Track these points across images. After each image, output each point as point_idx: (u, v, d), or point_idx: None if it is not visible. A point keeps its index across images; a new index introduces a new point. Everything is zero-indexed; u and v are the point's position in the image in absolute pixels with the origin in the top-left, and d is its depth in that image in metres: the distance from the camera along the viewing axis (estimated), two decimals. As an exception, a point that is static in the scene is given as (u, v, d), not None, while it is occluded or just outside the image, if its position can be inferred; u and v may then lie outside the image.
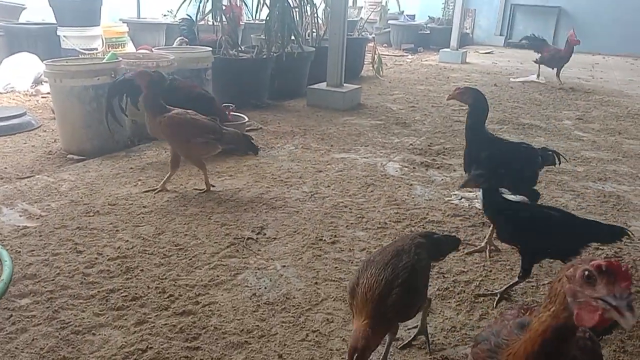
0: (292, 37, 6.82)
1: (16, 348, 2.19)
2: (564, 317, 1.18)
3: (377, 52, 8.94)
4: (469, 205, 3.76)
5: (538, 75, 9.07)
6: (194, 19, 7.00)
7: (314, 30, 7.99)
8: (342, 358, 2.21)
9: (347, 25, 6.90)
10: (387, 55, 11.65)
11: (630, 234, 2.68)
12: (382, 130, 5.64)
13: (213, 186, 3.90)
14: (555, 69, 8.77)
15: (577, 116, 6.62)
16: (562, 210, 2.81)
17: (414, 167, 4.51)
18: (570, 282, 1.15)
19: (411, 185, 4.11)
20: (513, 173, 3.10)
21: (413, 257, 2.01)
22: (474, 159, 3.20)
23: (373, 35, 10.42)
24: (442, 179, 4.25)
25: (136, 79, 3.76)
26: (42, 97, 6.53)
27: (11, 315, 2.39)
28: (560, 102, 7.43)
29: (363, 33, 9.75)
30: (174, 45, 7.07)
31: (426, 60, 11.42)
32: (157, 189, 3.79)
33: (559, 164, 3.38)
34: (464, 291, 2.72)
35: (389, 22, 13.35)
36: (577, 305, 1.14)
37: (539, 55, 8.75)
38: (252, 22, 9.06)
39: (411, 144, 5.16)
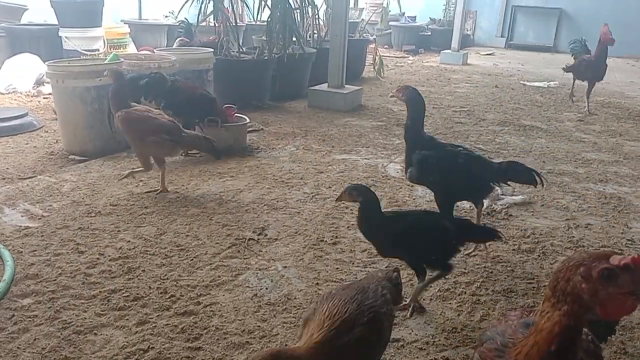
0: (294, 39, 6.83)
1: (18, 348, 2.20)
2: (580, 315, 1.20)
3: (378, 54, 8.95)
4: (470, 206, 3.76)
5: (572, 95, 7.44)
6: (196, 20, 7.00)
7: (315, 31, 8.00)
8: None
9: (348, 27, 6.90)
10: (388, 56, 11.66)
11: (502, 237, 2.57)
12: (383, 132, 5.65)
13: (166, 190, 3.81)
14: (587, 84, 7.02)
15: (578, 118, 6.62)
16: (433, 213, 2.69)
17: (415, 169, 4.51)
18: (588, 282, 1.17)
19: (412, 186, 4.11)
20: (446, 181, 2.99)
21: (380, 299, 1.80)
22: (410, 161, 3.07)
23: (374, 37, 10.43)
24: (443, 180, 4.24)
25: (109, 77, 3.83)
26: (44, 98, 6.54)
27: (13, 315, 2.39)
28: (561, 104, 7.43)
29: (364, 34, 9.75)
30: (174, 47, 7.09)
31: (427, 62, 11.42)
32: (158, 190, 3.80)
33: (542, 185, 3.03)
34: (465, 292, 2.72)
35: (390, 23, 13.35)
36: (599, 301, 1.17)
37: (575, 62, 7.21)
38: (254, 23, 9.08)
39: (412, 145, 5.16)
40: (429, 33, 13.54)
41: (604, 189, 4.23)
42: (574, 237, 3.37)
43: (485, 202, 3.77)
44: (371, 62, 9.09)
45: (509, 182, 3.16)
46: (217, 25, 6.69)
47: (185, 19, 7.75)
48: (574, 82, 7.41)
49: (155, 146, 3.66)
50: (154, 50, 6.55)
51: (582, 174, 4.53)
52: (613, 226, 3.56)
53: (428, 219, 2.66)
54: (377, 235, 2.50)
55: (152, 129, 3.63)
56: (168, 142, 3.66)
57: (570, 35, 13.67)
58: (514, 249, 3.18)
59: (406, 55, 12.43)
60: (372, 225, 2.47)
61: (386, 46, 13.25)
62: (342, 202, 2.45)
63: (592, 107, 7.16)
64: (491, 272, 2.92)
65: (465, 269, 2.94)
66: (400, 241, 2.46)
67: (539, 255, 3.12)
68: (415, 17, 14.33)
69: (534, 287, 2.79)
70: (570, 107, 7.20)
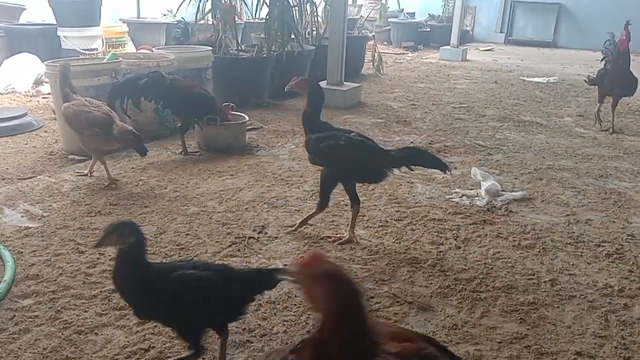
0: (292, 36, 6.82)
1: (19, 348, 2.20)
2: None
3: (377, 50, 8.94)
4: (469, 203, 3.76)
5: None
6: (194, 18, 7.01)
7: (314, 28, 7.99)
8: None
9: (347, 24, 6.89)
10: (388, 53, 11.64)
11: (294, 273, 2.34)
12: (382, 129, 5.64)
13: (117, 180, 3.93)
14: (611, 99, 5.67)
15: (577, 113, 6.61)
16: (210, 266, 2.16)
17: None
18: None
19: (412, 183, 4.11)
20: (330, 163, 3.15)
21: None
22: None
23: (373, 34, 10.42)
24: (443, 177, 4.23)
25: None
26: (43, 98, 6.54)
27: (14, 316, 2.40)
28: (560, 99, 7.42)
29: (363, 31, 9.75)
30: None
31: (426, 58, 11.41)
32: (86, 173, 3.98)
33: (449, 172, 3.21)
34: (465, 289, 2.72)
35: (389, 20, 13.34)
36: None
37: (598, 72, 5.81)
38: (252, 21, 9.07)
39: (412, 142, 5.16)
40: (428, 29, 13.53)
41: (604, 184, 4.23)
42: (574, 232, 3.37)
43: (485, 199, 3.77)
44: (370, 59, 9.08)
45: (412, 167, 3.21)
46: (214, 23, 6.68)
47: (182, 18, 7.74)
48: (599, 99, 5.78)
49: (92, 139, 3.79)
50: (153, 49, 6.54)
51: (582, 169, 4.53)
52: (613, 221, 3.55)
53: (203, 276, 2.00)
54: (137, 290, 1.94)
55: (87, 124, 3.74)
56: (101, 135, 3.75)
57: (570, 31, 13.76)
58: (514, 245, 3.18)
59: (405, 52, 12.42)
60: (136, 277, 1.91)
61: (385, 43, 13.24)
62: (104, 247, 1.99)
63: (590, 102, 7.11)
64: (491, 269, 2.92)
65: (465, 265, 2.94)
66: (165, 304, 1.94)
67: (539, 251, 3.12)
68: (414, 13, 14.31)
69: (534, 283, 2.79)
70: (570, 103, 7.20)
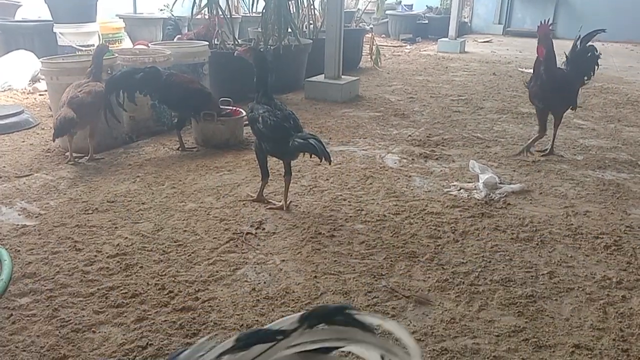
0: (289, 30, 6.78)
1: (16, 347, 2.20)
2: None
3: (375, 43, 8.91)
4: (467, 196, 3.75)
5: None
6: (190, 13, 6.96)
7: (311, 22, 7.96)
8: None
9: (345, 17, 6.86)
10: (386, 45, 11.60)
11: None
12: (380, 122, 5.63)
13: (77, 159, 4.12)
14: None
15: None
16: None
17: (412, 159, 4.50)
18: None
19: (410, 176, 4.10)
20: (255, 132, 3.54)
21: None
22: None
23: (371, 26, 10.40)
24: (441, 170, 4.24)
25: None
26: (40, 95, 6.52)
27: (11, 314, 2.39)
28: (559, 90, 7.38)
29: (361, 24, 9.71)
30: (174, 41, 7.07)
31: (425, 50, 11.37)
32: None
33: (329, 163, 3.24)
34: (463, 282, 2.72)
35: (387, 12, 13.28)
36: None
37: None
38: (249, 15, 9.03)
39: (410, 135, 5.15)
40: (426, 21, 13.48)
41: (602, 175, 4.22)
42: (572, 224, 3.36)
43: (483, 192, 3.76)
44: (368, 52, 9.05)
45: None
46: (208, 17, 6.66)
47: (173, 14, 7.73)
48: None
49: None
50: (149, 45, 6.51)
51: (580, 161, 4.52)
52: (612, 213, 3.55)
53: None
54: None
55: None
56: None
57: (568, 21, 13.70)
58: (512, 238, 3.17)
59: (403, 44, 12.38)
60: None
61: (383, 35, 13.20)
62: None
63: (588, 93, 7.07)
64: (489, 262, 2.91)
65: (463, 259, 2.94)
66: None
67: (537, 244, 3.12)
68: (412, 5, 14.26)
69: (532, 276, 2.79)
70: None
